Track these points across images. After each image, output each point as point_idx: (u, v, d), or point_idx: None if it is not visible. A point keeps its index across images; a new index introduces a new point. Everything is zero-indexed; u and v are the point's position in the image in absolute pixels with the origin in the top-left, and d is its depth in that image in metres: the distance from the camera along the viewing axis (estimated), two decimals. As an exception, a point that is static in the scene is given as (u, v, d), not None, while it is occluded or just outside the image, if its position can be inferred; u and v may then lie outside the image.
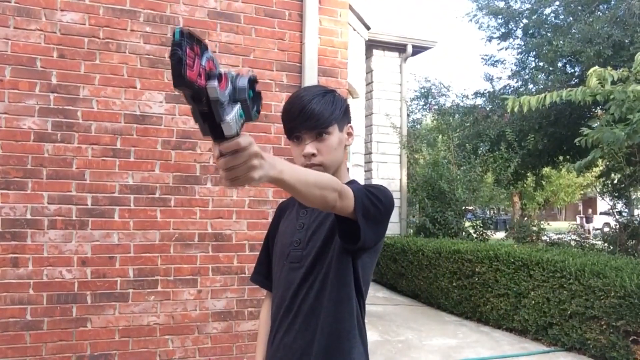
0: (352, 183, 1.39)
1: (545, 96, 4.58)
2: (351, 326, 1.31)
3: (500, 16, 11.50)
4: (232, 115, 0.82)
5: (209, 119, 0.82)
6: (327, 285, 1.30)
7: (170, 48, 0.75)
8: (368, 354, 1.37)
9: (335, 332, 1.29)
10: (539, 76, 10.35)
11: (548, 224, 9.74)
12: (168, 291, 3.31)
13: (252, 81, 0.88)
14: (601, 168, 10.58)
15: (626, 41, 8.35)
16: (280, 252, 1.43)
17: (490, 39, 12.18)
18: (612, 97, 4.41)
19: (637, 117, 4.31)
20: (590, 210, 24.83)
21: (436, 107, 10.53)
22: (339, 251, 1.29)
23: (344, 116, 1.39)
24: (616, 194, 9.63)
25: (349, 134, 1.42)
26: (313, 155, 1.31)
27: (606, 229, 10.91)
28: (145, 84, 3.31)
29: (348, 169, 6.86)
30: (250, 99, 0.88)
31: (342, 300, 1.30)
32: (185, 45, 0.74)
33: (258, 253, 1.62)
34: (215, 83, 0.79)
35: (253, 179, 0.85)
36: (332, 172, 1.35)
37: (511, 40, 11.95)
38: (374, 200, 1.20)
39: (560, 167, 11.95)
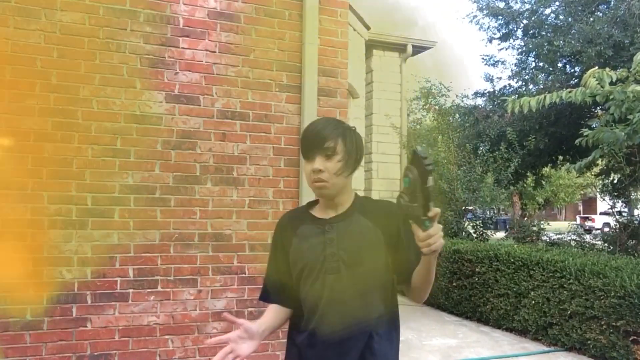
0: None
1: (545, 97, 4.57)
2: (393, 329, 1.63)
3: (500, 17, 11.48)
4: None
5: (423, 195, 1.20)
6: (369, 292, 1.47)
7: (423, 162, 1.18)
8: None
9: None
10: (539, 76, 10.33)
11: (548, 224, 9.72)
12: (168, 291, 3.31)
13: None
14: (601, 167, 10.57)
15: (626, 41, 8.34)
16: (310, 267, 1.47)
17: (490, 39, 12.14)
18: (611, 97, 4.40)
19: (637, 117, 4.31)
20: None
21: (436, 107, 10.50)
22: (380, 258, 1.47)
23: (355, 150, 1.48)
24: (616, 194, 9.62)
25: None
26: (320, 170, 1.42)
27: (606, 229, 10.90)
28: (145, 84, 3.31)
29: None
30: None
31: (384, 303, 1.54)
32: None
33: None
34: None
35: (442, 244, 1.23)
36: (335, 194, 1.46)
37: (511, 40, 11.93)
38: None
39: (560, 166, 11.92)
